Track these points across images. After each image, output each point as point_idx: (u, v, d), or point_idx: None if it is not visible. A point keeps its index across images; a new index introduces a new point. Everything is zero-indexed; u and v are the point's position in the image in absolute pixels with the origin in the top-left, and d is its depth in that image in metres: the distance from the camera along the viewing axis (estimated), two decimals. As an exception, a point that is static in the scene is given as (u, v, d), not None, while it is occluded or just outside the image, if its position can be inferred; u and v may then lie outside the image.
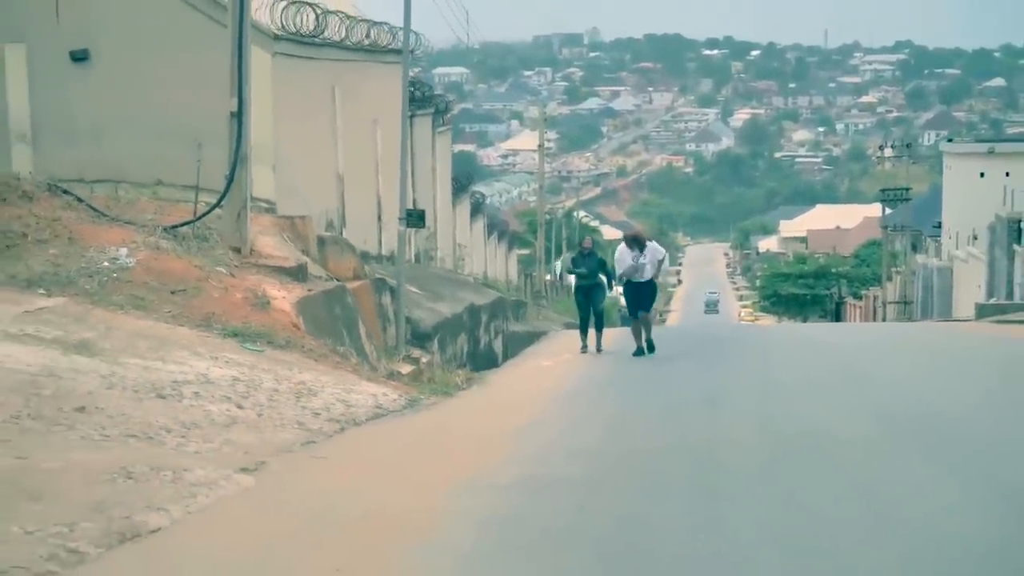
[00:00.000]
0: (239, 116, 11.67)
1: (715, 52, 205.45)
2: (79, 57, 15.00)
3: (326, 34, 16.15)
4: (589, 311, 14.79)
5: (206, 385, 8.24)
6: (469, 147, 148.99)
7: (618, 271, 14.27)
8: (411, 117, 22.13)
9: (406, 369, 12.67)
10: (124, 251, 10.72)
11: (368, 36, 18.58)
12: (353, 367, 10.11)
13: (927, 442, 7.31)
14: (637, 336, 14.25)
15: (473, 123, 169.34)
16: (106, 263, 10.52)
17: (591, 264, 14.65)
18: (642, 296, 14.16)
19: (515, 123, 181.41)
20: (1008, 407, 8.89)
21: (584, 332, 15.00)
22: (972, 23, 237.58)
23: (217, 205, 11.82)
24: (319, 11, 15.96)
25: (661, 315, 78.71)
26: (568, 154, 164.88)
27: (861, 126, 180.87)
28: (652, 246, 14.31)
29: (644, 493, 5.79)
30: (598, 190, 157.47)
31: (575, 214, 79.45)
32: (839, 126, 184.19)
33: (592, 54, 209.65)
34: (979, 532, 4.96)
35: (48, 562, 4.38)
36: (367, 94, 19.31)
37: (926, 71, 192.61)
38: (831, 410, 8.76)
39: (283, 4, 14.94)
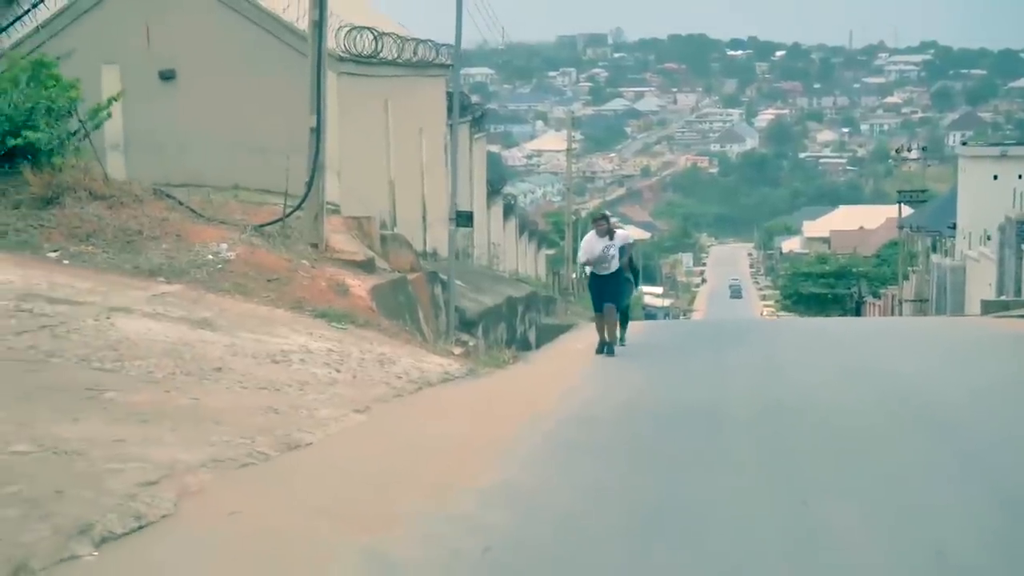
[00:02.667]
0: (317, 131, 13.59)
1: (739, 52, 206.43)
2: (166, 76, 17.04)
3: (382, 54, 18.09)
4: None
5: (308, 354, 10.12)
6: (494, 148, 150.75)
7: (581, 259, 13.48)
8: (451, 126, 24.09)
9: (457, 350, 14.56)
10: (224, 246, 12.65)
11: (415, 53, 20.49)
12: (420, 344, 12.01)
13: (884, 390, 9.14)
14: (600, 331, 13.30)
15: (498, 124, 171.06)
16: (210, 256, 12.46)
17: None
18: (608, 288, 13.11)
19: (540, 123, 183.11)
20: (962, 369, 10.73)
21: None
22: (997, 23, 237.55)
23: (298, 207, 13.75)
24: (376, 34, 17.89)
25: (685, 313, 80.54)
26: (592, 155, 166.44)
27: (886, 127, 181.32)
28: (622, 234, 13.50)
29: (661, 427, 7.66)
30: (622, 190, 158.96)
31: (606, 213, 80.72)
32: (864, 127, 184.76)
33: (616, 54, 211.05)
34: (914, 451, 6.77)
35: (247, 457, 6.27)
36: (414, 105, 21.23)
37: (951, 71, 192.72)
38: (818, 375, 10.59)
39: (346, 29, 16.87)
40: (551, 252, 59.80)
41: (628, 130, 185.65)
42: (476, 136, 28.92)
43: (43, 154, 12.33)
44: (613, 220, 14.59)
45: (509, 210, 36.82)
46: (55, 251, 11.89)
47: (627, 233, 13.76)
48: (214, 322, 10.57)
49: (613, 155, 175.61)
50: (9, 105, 11.88)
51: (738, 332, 18.63)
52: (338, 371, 9.78)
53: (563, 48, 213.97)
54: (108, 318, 9.96)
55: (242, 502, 5.35)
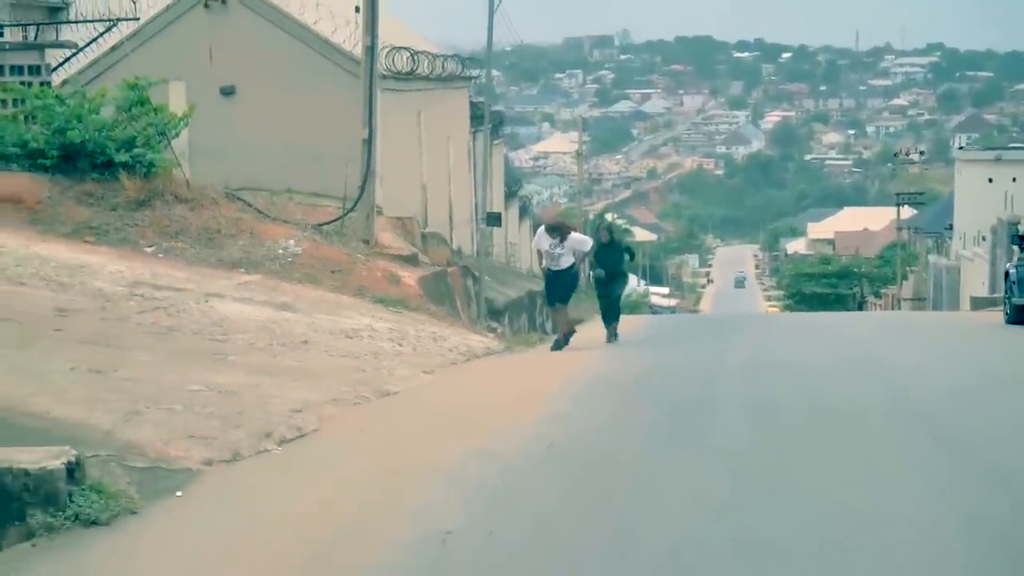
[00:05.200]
0: (369, 142, 15.60)
1: (746, 54, 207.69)
2: (227, 92, 19.12)
3: (417, 71, 20.13)
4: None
5: (374, 332, 12.11)
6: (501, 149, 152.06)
7: (533, 244, 14.03)
8: (473, 132, 26.14)
9: (489, 335, 16.56)
10: (291, 242, 14.66)
11: (444, 68, 22.53)
12: (463, 326, 14.01)
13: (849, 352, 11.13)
14: (555, 327, 13.78)
15: (504, 125, 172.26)
16: (281, 251, 14.47)
17: (614, 256, 14.46)
18: (558, 285, 13.44)
19: (546, 125, 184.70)
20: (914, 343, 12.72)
21: (606, 320, 14.86)
22: (1004, 25, 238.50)
23: (352, 209, 15.76)
24: (412, 52, 19.94)
25: (691, 313, 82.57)
26: (599, 156, 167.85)
27: (892, 129, 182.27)
28: (576, 237, 13.57)
29: (668, 384, 9.65)
30: (629, 192, 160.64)
31: (606, 216, 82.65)
32: (870, 129, 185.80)
33: (623, 56, 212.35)
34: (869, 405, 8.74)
35: (356, 399, 8.27)
36: (442, 115, 23.27)
37: (957, 74, 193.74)
38: (798, 351, 12.59)
39: (387, 50, 18.90)
40: (561, 252, 61.76)
41: (634, 132, 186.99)
42: (495, 142, 30.95)
43: (140, 164, 14.36)
44: (572, 226, 14.46)
45: (524, 211, 38.87)
46: (150, 247, 13.90)
47: (583, 238, 13.84)
48: (293, 305, 12.57)
49: (619, 157, 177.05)
50: (124, 127, 14.12)
51: (738, 323, 20.61)
52: (400, 345, 11.77)
53: (569, 50, 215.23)
54: (207, 301, 11.97)
55: (365, 424, 7.36)
